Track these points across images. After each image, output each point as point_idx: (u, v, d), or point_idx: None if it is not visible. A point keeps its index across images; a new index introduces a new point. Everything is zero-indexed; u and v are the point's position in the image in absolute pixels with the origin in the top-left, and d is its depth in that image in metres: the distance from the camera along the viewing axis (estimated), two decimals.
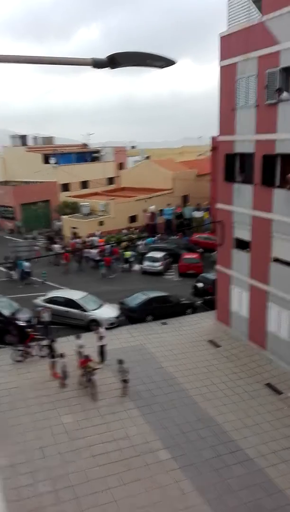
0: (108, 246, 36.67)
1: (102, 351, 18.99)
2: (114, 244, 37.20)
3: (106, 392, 16.75)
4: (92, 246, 36.94)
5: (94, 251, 35.50)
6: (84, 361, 16.93)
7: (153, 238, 40.90)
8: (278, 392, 16.96)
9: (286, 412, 15.74)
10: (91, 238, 39.55)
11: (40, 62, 4.50)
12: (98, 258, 34.80)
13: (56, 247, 37.93)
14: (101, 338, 18.83)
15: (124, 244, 37.78)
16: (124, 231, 43.26)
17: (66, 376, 17.03)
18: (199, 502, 11.67)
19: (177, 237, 43.29)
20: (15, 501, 11.57)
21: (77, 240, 39.33)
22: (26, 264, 31.18)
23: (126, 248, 36.99)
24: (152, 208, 44.33)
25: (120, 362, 16.83)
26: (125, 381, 16.66)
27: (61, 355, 17.27)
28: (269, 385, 17.42)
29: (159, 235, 42.62)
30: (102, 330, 19.14)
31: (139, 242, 39.36)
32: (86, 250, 35.91)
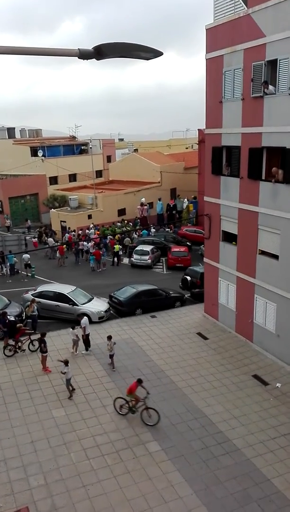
0: (106, 238, 37.01)
1: (86, 340, 19.44)
2: (111, 237, 37.51)
3: (96, 385, 16.89)
4: (88, 239, 37.09)
5: (89, 244, 35.60)
6: (134, 385, 14.68)
7: (146, 231, 41.13)
8: (264, 383, 17.24)
9: (273, 402, 16.02)
10: (86, 231, 39.70)
11: (26, 53, 4.43)
12: (92, 250, 34.94)
13: (51, 240, 37.94)
14: (84, 328, 19.19)
15: (117, 236, 38.08)
16: (118, 223, 43.40)
17: (71, 387, 16.22)
18: (188, 493, 11.87)
19: (170, 229, 43.54)
20: (6, 496, 11.67)
21: (73, 233, 39.38)
22: (27, 255, 31.23)
23: (117, 241, 37.20)
24: (143, 200, 44.46)
25: (109, 338, 18.00)
26: (112, 355, 18.02)
27: (65, 363, 16.08)
28: (256, 377, 17.69)
29: (154, 227, 42.91)
30: (84, 320, 19.46)
31: (135, 235, 39.79)
32: (81, 242, 36.01)
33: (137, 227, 42.41)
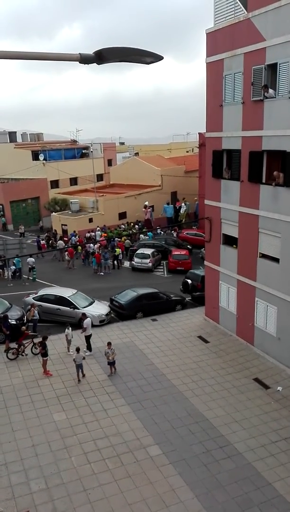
0: (114, 241, 37.33)
1: (87, 341, 19.67)
2: (119, 239, 37.86)
3: (97, 389, 16.88)
4: (94, 241, 37.35)
5: (95, 246, 35.81)
6: None
7: (151, 233, 41.35)
8: (265, 386, 17.20)
9: (274, 406, 15.98)
10: (91, 233, 39.95)
11: (27, 58, 4.44)
12: (97, 252, 35.16)
13: (61, 243, 38.08)
14: (85, 329, 19.44)
15: (123, 239, 38.35)
16: (122, 226, 43.59)
17: (81, 369, 17.45)
18: (189, 497, 11.84)
19: (174, 231, 43.80)
20: (7, 500, 11.65)
21: (78, 236, 39.62)
22: (31, 259, 31.36)
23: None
24: (147, 203, 44.73)
25: (109, 344, 17.99)
26: (113, 362, 17.87)
27: (77, 350, 17.53)
28: (257, 380, 17.65)
29: (161, 230, 43.15)
30: (86, 321, 19.61)
31: (144, 236, 40.20)
32: (88, 245, 36.23)
33: (144, 230, 42.72)
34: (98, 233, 40.03)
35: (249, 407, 15.90)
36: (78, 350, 17.62)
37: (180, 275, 30.15)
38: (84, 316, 20.14)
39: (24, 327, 20.01)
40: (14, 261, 31.15)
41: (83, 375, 17.62)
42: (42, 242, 39.25)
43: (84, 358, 17.89)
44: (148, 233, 40.92)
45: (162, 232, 43.34)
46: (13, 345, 19.43)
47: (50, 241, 39.99)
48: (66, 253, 35.19)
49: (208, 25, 20.27)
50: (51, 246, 38.89)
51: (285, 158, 16.72)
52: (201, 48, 20.81)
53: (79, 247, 36.63)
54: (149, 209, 44.60)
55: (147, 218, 44.73)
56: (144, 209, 44.61)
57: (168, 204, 46.97)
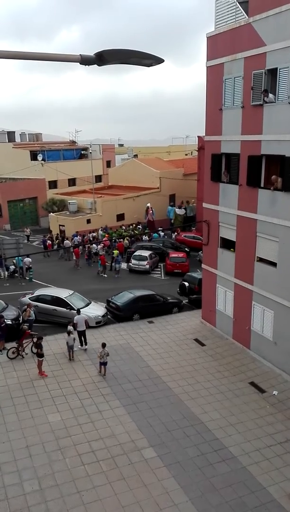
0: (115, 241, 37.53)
1: (83, 337, 20.04)
2: (121, 239, 37.96)
3: (93, 391, 16.83)
4: (97, 241, 37.44)
5: (98, 246, 35.87)
6: None
7: (157, 234, 41.48)
8: (261, 390, 17.21)
9: (269, 410, 15.98)
10: (93, 234, 40.04)
11: (28, 58, 4.44)
12: (101, 253, 35.26)
13: (67, 242, 38.04)
14: (75, 324, 19.75)
15: (126, 239, 38.48)
16: (123, 227, 43.65)
17: (72, 351, 18.90)
18: (183, 500, 11.81)
19: (176, 233, 44.01)
20: (0, 501, 11.59)
21: (85, 236, 39.71)
22: (28, 259, 31.31)
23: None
24: (149, 205, 44.86)
25: (104, 345, 17.82)
26: (104, 363, 17.79)
27: (68, 333, 18.85)
28: (252, 384, 17.66)
29: (162, 231, 43.28)
30: (76, 317, 19.90)
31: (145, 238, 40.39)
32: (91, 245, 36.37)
33: (146, 231, 42.83)
34: (101, 233, 40.15)
35: (244, 411, 15.90)
36: (69, 333, 18.88)
37: (177, 278, 30.17)
38: (78, 312, 20.34)
39: (25, 327, 20.01)
40: (14, 260, 31.13)
41: (69, 358, 18.88)
42: (49, 242, 39.32)
43: (74, 340, 19.03)
44: (153, 234, 41.10)
45: (166, 236, 43.31)
46: (11, 344, 19.35)
47: (58, 241, 40.09)
48: (73, 253, 35.42)
49: (208, 29, 20.33)
50: (58, 246, 39.00)
51: (284, 162, 16.76)
52: (201, 52, 20.88)
53: (92, 246, 36.79)
54: (150, 211, 44.73)
55: (149, 219, 44.90)
56: (147, 210, 44.86)
57: (172, 206, 47.23)
